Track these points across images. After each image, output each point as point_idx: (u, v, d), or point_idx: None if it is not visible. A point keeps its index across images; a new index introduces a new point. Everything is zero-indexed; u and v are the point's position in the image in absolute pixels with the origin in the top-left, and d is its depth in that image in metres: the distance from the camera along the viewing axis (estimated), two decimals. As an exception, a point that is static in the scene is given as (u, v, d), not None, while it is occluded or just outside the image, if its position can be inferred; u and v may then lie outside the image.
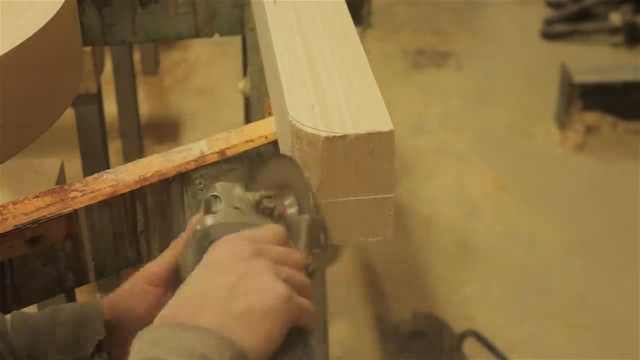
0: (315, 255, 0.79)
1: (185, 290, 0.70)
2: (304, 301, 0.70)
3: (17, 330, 0.82)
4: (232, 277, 0.68)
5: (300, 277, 0.73)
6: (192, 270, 0.74)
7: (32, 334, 0.82)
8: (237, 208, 0.78)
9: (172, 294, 0.72)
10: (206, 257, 0.73)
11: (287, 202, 0.83)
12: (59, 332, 0.82)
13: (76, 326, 0.83)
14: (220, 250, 0.72)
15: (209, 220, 0.77)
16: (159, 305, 0.75)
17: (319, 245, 0.80)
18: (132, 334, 0.67)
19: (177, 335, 0.64)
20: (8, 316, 0.82)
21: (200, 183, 1.03)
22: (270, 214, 0.80)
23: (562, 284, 2.39)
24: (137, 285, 0.87)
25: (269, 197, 0.81)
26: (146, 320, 0.73)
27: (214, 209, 0.78)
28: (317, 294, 0.81)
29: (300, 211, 0.83)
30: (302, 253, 0.77)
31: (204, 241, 0.76)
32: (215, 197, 0.78)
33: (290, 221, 0.80)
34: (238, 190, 0.80)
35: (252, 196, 0.80)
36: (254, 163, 0.96)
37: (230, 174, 1.04)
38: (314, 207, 0.83)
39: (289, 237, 0.78)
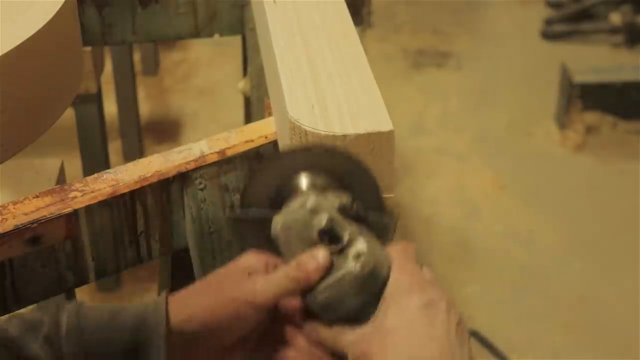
0: None
1: (397, 347, 0.67)
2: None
3: (70, 337, 0.74)
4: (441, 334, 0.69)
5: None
6: (355, 313, 0.72)
7: (85, 343, 0.74)
8: (353, 226, 0.75)
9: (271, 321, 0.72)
10: (412, 312, 0.70)
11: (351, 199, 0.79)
12: (115, 340, 0.74)
13: (134, 333, 0.74)
14: (411, 304, 0.70)
15: (361, 257, 0.73)
16: (257, 332, 0.75)
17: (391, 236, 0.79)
18: (207, 345, 0.63)
19: None
20: (65, 318, 0.75)
21: (200, 183, 1.03)
22: (356, 219, 0.77)
23: (562, 284, 2.39)
24: (232, 302, 0.77)
25: (349, 200, 0.78)
26: (227, 337, 0.71)
27: (343, 235, 0.74)
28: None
29: (383, 211, 0.80)
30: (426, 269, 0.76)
31: (372, 283, 0.73)
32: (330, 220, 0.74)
33: (370, 220, 0.78)
34: (329, 203, 0.76)
35: (335, 198, 0.77)
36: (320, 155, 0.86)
37: (230, 174, 1.04)
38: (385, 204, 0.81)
39: (376, 235, 0.76)
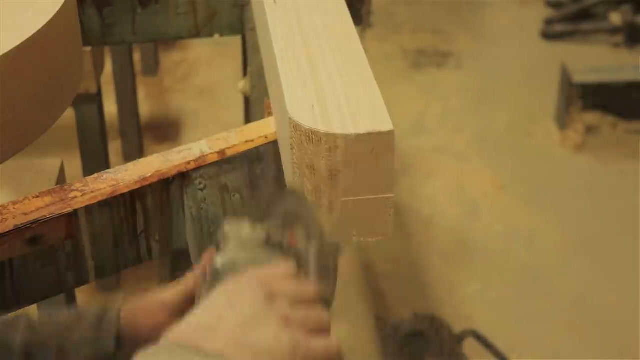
0: (325, 282, 0.78)
1: (192, 317, 0.69)
2: (317, 344, 0.69)
3: (43, 322, 0.87)
4: (245, 312, 0.68)
5: (316, 314, 0.71)
6: None
7: (57, 327, 0.86)
8: (245, 245, 0.78)
9: None
10: (217, 292, 0.72)
11: (296, 232, 0.81)
12: (82, 325, 0.86)
13: (97, 321, 0.86)
14: (232, 287, 0.71)
15: (219, 259, 0.77)
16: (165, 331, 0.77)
17: (328, 271, 0.79)
18: (136, 351, 0.66)
19: (180, 357, 0.63)
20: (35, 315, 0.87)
21: (200, 183, 1.03)
22: (279, 247, 0.79)
23: (562, 284, 2.39)
24: (150, 306, 0.90)
25: (277, 230, 0.80)
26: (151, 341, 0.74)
27: (223, 247, 0.78)
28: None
29: (309, 239, 0.81)
30: (314, 283, 0.76)
31: (216, 281, 0.76)
32: (225, 235, 0.78)
33: (299, 251, 0.79)
34: (246, 227, 0.79)
35: (260, 231, 0.79)
36: (263, 198, 0.95)
37: (230, 174, 1.04)
38: (322, 233, 0.82)
39: (301, 267, 0.76)
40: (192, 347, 0.64)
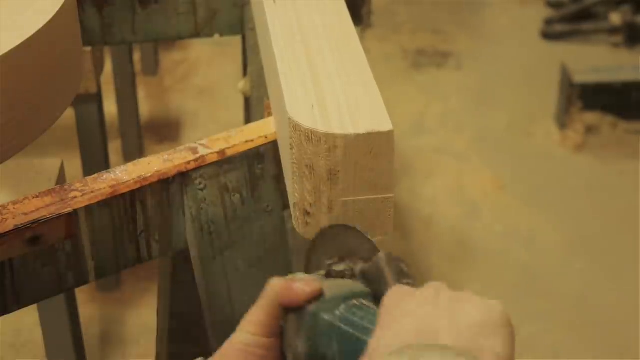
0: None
1: (387, 339, 0.63)
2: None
3: None
4: (439, 306, 0.64)
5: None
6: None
7: None
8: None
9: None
10: (381, 317, 0.66)
11: (351, 263, 0.77)
12: None
13: None
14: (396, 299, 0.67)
15: (324, 314, 0.71)
16: None
17: (407, 275, 0.74)
18: None
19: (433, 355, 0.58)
20: None
21: (200, 183, 1.03)
22: (342, 277, 0.76)
23: (562, 284, 2.39)
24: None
25: (334, 263, 0.77)
26: None
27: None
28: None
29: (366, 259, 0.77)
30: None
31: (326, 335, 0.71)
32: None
33: (366, 273, 0.75)
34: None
35: (318, 271, 0.76)
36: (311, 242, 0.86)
37: (230, 174, 1.04)
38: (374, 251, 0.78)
39: (372, 287, 0.73)
40: (436, 346, 0.60)
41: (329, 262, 0.78)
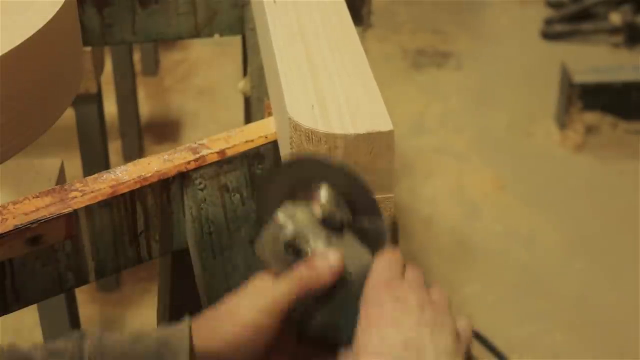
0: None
1: (369, 346, 0.70)
2: (460, 324, 0.79)
3: (105, 346, 0.75)
4: (410, 326, 0.71)
5: (440, 294, 0.77)
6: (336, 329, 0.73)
7: (121, 350, 0.75)
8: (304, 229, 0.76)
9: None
10: (364, 318, 0.72)
11: (346, 209, 0.79)
12: (148, 343, 0.75)
13: (157, 357, 0.74)
14: (371, 310, 0.72)
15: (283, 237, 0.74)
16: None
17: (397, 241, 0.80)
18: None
19: None
20: (87, 346, 0.74)
21: (200, 183, 1.03)
22: (340, 228, 0.77)
23: (562, 284, 2.39)
24: (221, 319, 0.78)
25: (332, 209, 0.78)
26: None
27: (304, 247, 0.75)
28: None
29: (358, 213, 0.79)
30: (415, 268, 0.77)
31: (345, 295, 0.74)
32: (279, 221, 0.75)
33: (364, 228, 0.78)
34: (301, 210, 0.77)
35: (315, 213, 0.77)
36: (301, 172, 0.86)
37: (230, 174, 1.04)
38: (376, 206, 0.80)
39: (367, 244, 0.77)
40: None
41: (320, 211, 0.77)
